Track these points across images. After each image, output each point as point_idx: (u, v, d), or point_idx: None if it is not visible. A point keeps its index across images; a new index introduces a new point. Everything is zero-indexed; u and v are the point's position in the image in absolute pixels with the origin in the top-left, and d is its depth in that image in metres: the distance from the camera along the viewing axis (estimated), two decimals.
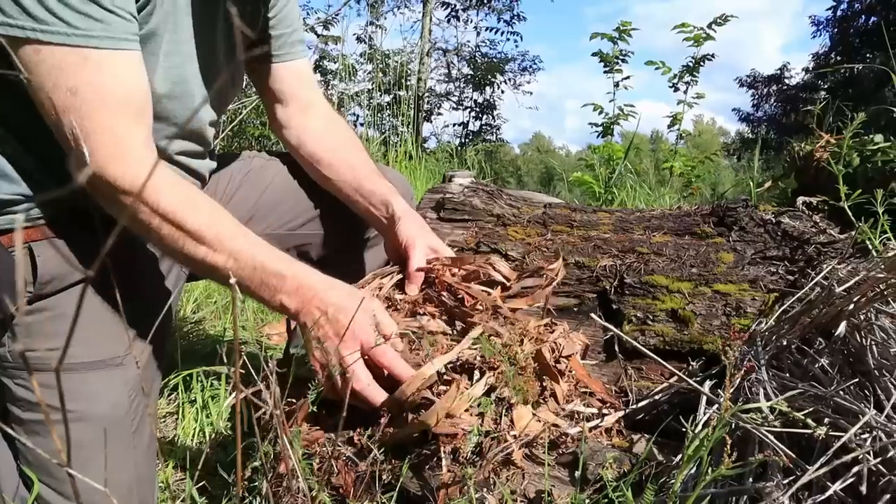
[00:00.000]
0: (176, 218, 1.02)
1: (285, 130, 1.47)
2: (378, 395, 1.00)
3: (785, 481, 0.66)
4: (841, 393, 0.74)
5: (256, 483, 1.16)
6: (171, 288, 1.34)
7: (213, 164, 1.42)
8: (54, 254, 1.10)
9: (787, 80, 16.16)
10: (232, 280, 0.56)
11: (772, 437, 0.67)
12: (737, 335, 0.58)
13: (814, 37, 15.53)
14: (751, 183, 2.22)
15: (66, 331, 1.11)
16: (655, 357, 0.98)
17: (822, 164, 1.51)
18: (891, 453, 0.66)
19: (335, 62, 7.13)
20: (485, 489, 0.95)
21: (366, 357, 1.03)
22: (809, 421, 0.63)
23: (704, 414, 0.85)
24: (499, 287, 1.22)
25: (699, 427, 0.80)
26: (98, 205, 1.06)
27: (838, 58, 13.92)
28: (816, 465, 0.63)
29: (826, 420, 0.71)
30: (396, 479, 1.01)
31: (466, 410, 0.98)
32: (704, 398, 0.86)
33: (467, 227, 1.58)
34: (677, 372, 0.89)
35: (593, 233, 1.53)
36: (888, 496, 0.62)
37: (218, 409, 1.87)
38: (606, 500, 0.85)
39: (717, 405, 0.82)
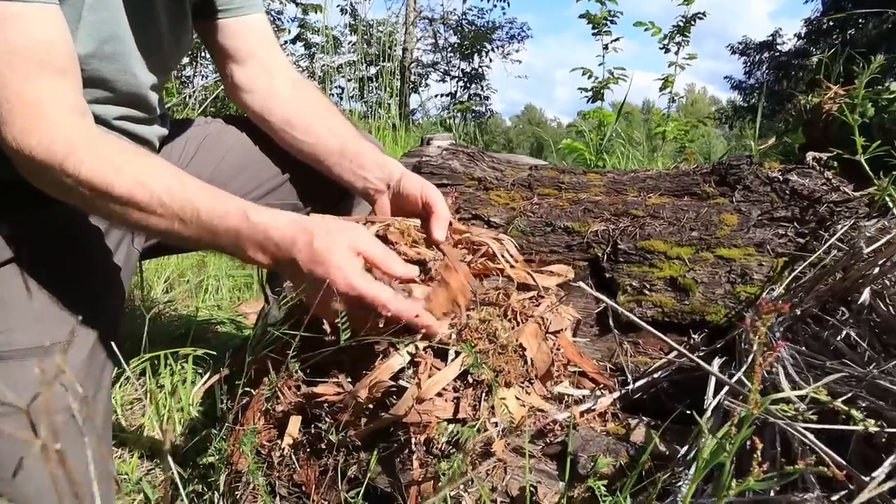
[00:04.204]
0: (101, 185, 0.89)
1: (246, 94, 1.33)
2: (407, 304, 0.88)
3: (830, 495, 0.53)
4: (882, 374, 0.62)
5: (213, 479, 1.06)
6: (120, 265, 1.21)
7: (164, 131, 1.29)
8: None
9: (779, 47, 15.96)
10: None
11: (811, 437, 0.54)
12: (769, 307, 0.45)
13: (806, 1, 15.37)
14: (752, 143, 2.08)
15: (2, 315, 0.99)
16: (654, 331, 0.86)
17: (833, 117, 1.38)
18: None
19: (318, 34, 6.92)
20: (462, 486, 0.84)
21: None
22: (855, 413, 0.51)
23: (714, 399, 0.73)
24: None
25: (708, 413, 0.68)
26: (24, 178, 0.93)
27: (831, 23, 13.74)
28: (881, 478, 0.49)
29: (863, 405, 0.59)
30: (364, 474, 0.89)
31: (440, 395, 0.86)
32: (713, 379, 0.74)
33: (447, 192, 1.45)
34: (679, 348, 0.77)
35: (583, 195, 1.40)
36: None
37: (187, 395, 1.76)
38: None
39: (727, 387, 0.70)
